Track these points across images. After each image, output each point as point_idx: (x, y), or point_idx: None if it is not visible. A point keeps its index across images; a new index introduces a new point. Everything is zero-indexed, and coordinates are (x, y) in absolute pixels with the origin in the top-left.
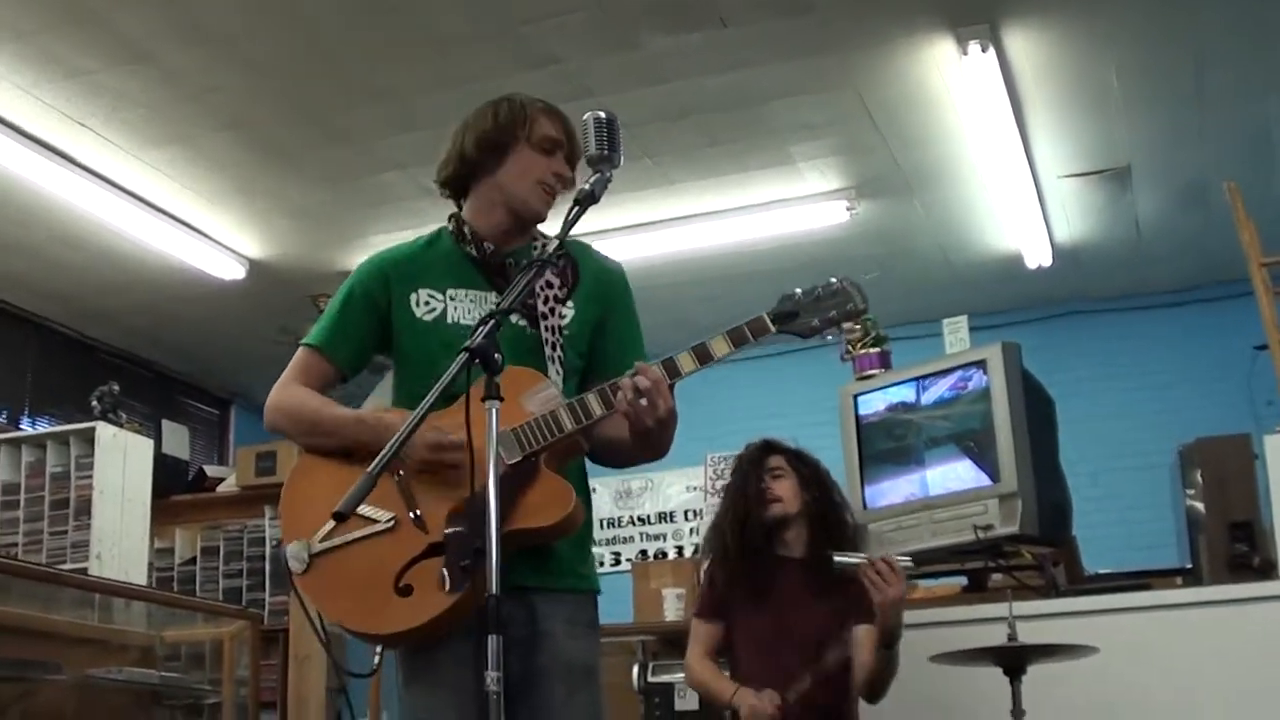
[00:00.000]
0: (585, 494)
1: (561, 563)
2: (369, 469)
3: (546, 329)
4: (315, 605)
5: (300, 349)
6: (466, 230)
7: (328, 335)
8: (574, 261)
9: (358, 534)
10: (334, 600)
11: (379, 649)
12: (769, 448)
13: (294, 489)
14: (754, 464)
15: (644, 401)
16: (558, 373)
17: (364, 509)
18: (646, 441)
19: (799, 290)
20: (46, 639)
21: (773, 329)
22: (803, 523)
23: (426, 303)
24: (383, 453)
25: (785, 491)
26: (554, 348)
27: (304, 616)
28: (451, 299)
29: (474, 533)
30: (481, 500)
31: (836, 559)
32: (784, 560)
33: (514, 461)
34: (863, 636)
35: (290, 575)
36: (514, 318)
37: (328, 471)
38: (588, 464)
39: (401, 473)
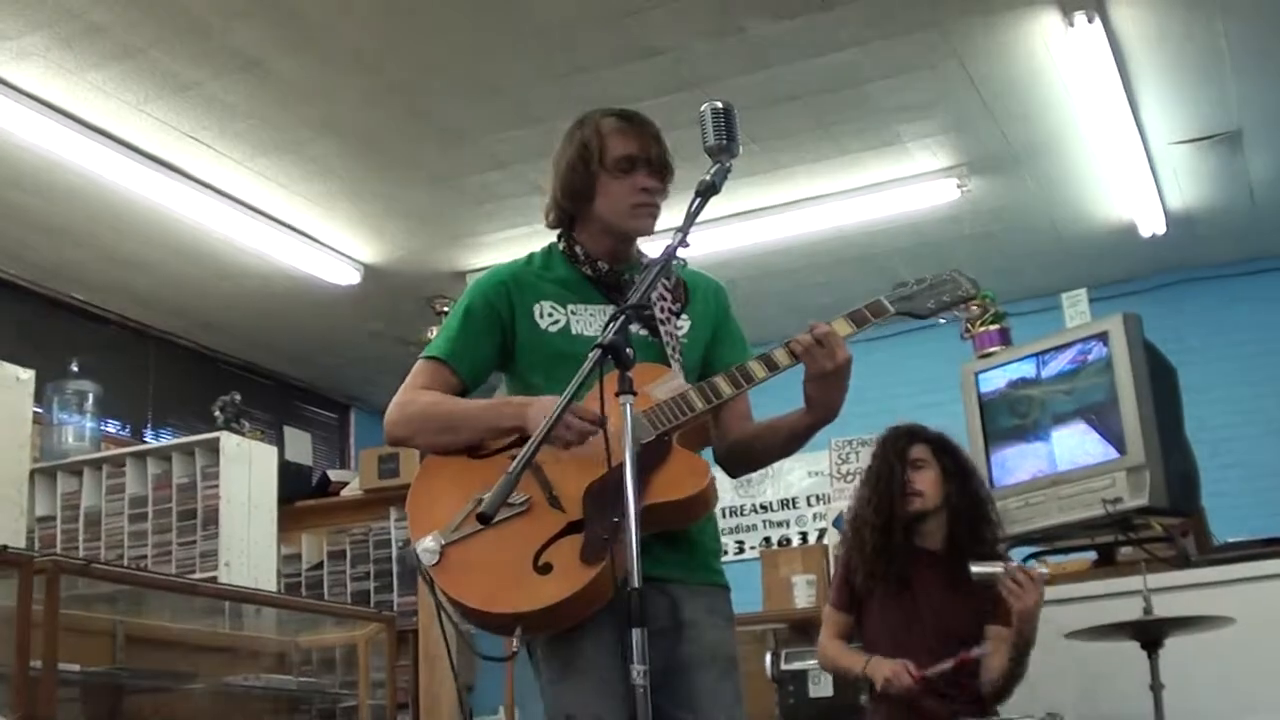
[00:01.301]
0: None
1: (698, 556)
2: (509, 470)
3: (666, 334)
4: (452, 593)
5: (422, 361)
6: (579, 251)
7: (452, 346)
8: (682, 279)
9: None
10: (471, 584)
11: (518, 632)
12: (913, 436)
13: (419, 490)
14: (898, 454)
15: (823, 347)
16: (679, 370)
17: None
18: (826, 392)
19: (912, 279)
20: (183, 648)
21: (891, 309)
22: (942, 516)
23: (550, 314)
24: (523, 453)
25: (926, 485)
26: (675, 351)
27: (433, 615)
28: (573, 313)
29: (611, 507)
30: (617, 475)
31: (974, 570)
32: (921, 552)
33: (647, 440)
34: (995, 636)
35: (422, 569)
36: (634, 326)
37: (452, 469)
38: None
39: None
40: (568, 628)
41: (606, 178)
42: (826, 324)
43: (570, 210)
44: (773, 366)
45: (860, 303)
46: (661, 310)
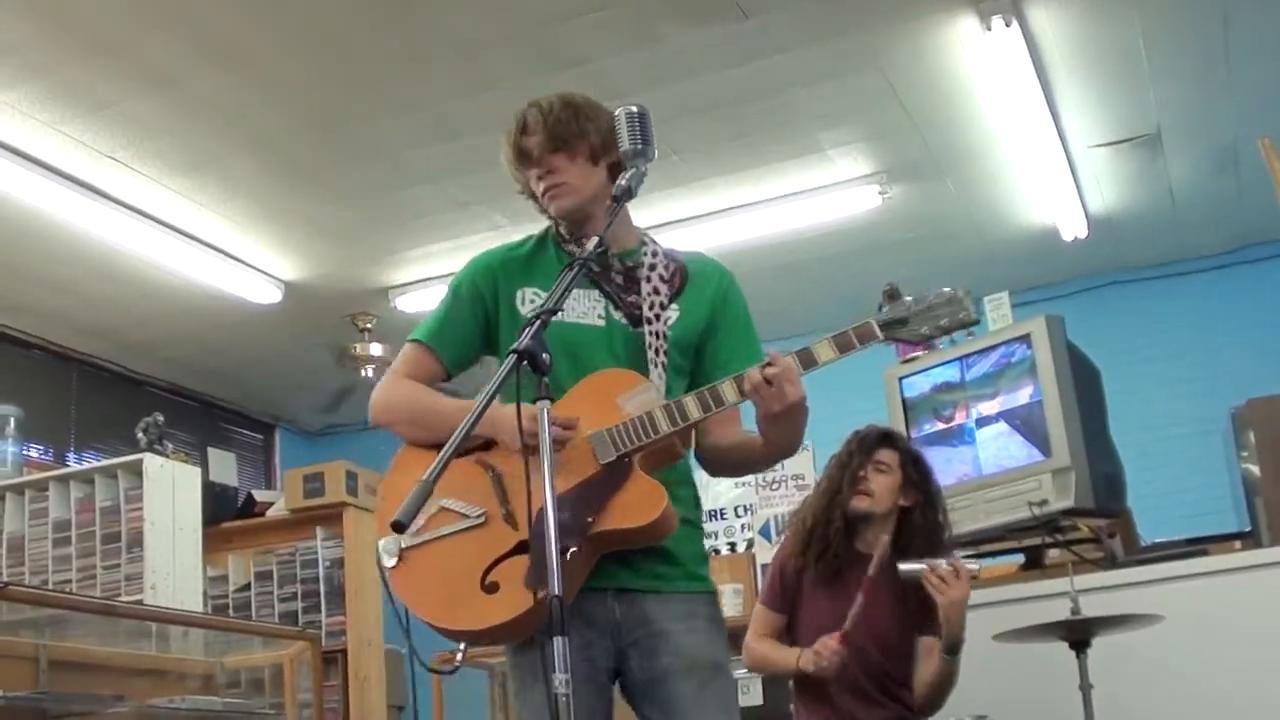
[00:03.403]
0: (691, 494)
1: (675, 564)
2: (423, 476)
3: (651, 333)
4: (404, 600)
5: (408, 344)
6: (564, 231)
7: (435, 330)
8: (681, 266)
9: (449, 529)
10: (421, 595)
11: (463, 646)
12: (886, 439)
13: (389, 486)
14: (863, 450)
15: (772, 388)
16: (660, 375)
17: (456, 504)
18: (776, 431)
19: (910, 297)
20: (108, 672)
21: (880, 336)
22: (888, 524)
23: (531, 300)
24: (436, 461)
25: (880, 488)
26: (656, 351)
27: (361, 634)
28: None
29: (561, 530)
30: (569, 499)
31: (901, 568)
32: (862, 556)
33: (607, 461)
34: (926, 648)
35: (381, 570)
36: (619, 318)
37: (423, 465)
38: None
39: (495, 468)
40: (521, 640)
41: (523, 175)
42: (789, 356)
43: None
44: (685, 418)
45: (850, 324)
46: (651, 306)
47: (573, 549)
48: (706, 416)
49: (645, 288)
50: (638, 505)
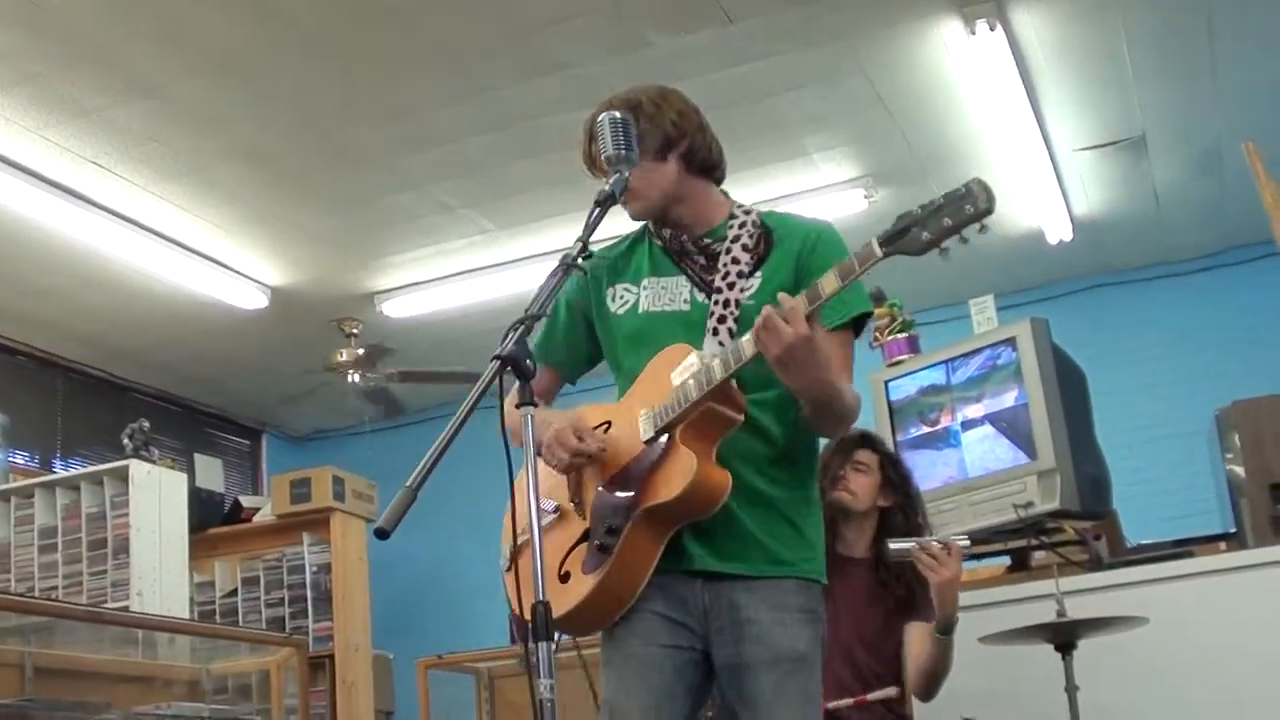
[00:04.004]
0: (781, 472)
1: (750, 546)
2: (407, 483)
3: (715, 303)
4: (511, 599)
5: None
6: (651, 226)
7: (540, 344)
8: (767, 232)
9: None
10: (519, 593)
11: (556, 636)
12: (864, 440)
13: (514, 494)
14: (841, 451)
15: (768, 331)
16: (721, 344)
17: (545, 502)
18: (785, 376)
19: (918, 206)
20: (94, 679)
21: (879, 253)
22: (869, 524)
23: (621, 296)
24: (420, 466)
25: (860, 487)
26: (721, 320)
27: (348, 640)
28: (645, 288)
29: (611, 512)
30: (618, 480)
31: (891, 546)
32: (843, 560)
33: (646, 439)
34: (916, 633)
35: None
36: (701, 297)
37: (544, 475)
38: None
39: None
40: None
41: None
42: (799, 296)
43: None
44: (710, 380)
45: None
46: (725, 275)
47: (606, 539)
48: (730, 375)
49: (724, 259)
50: (670, 478)
